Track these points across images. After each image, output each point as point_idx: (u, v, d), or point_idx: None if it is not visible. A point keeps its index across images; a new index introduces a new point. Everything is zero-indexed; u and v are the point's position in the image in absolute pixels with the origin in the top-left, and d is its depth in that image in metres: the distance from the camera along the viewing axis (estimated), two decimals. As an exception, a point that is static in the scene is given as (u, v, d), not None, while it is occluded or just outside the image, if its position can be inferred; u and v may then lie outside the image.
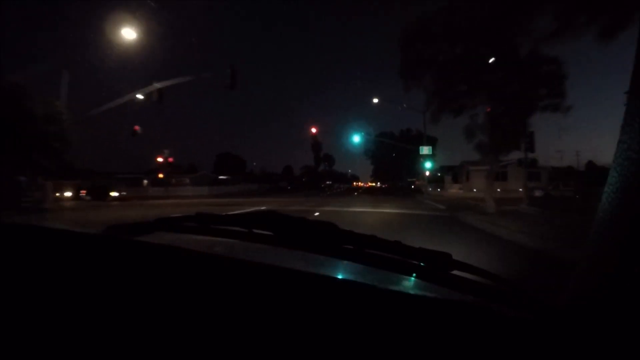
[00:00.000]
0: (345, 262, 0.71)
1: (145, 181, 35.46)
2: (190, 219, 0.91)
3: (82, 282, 0.55)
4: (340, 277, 0.67)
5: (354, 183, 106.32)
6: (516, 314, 0.53)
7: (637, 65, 0.38)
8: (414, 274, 0.64)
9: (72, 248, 0.70)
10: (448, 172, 43.00)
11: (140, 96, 12.95)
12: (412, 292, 0.60)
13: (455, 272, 0.62)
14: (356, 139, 26.01)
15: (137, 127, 14.29)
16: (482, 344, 0.43)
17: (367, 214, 11.51)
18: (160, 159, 27.86)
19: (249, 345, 0.42)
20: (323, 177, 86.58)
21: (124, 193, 23.48)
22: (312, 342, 0.42)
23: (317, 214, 11.17)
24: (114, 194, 21.88)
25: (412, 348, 0.42)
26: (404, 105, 22.69)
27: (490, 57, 10.45)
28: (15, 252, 0.66)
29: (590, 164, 44.41)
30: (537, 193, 21.71)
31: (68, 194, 20.41)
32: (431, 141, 28.60)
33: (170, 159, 27.92)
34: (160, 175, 29.36)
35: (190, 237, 0.87)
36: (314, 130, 23.33)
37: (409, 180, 52.57)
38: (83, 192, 20.66)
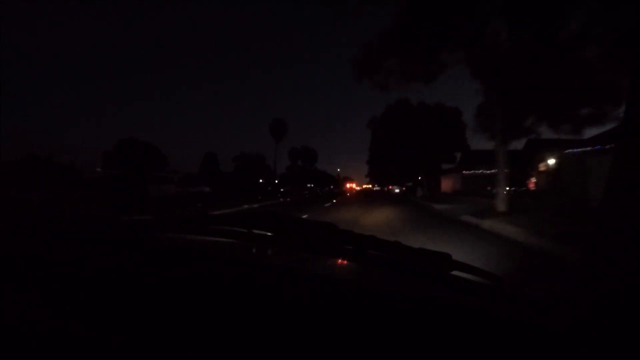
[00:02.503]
0: (345, 262, 0.71)
1: None
2: (190, 220, 0.92)
3: (81, 282, 0.55)
4: (340, 277, 0.67)
5: (348, 185, 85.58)
6: (516, 314, 0.53)
7: (636, 67, 0.41)
8: (414, 274, 0.64)
9: (71, 247, 0.71)
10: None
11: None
12: (412, 292, 0.59)
13: (455, 272, 0.62)
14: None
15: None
16: (481, 344, 0.43)
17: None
18: None
19: (249, 345, 0.42)
20: (298, 178, 60.60)
21: None
22: (312, 342, 0.42)
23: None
24: None
25: (412, 348, 0.42)
26: None
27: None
28: (16, 253, 0.67)
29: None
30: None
31: None
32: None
33: None
34: None
35: (191, 237, 0.87)
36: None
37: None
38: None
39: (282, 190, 40.42)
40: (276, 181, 53.24)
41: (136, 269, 0.61)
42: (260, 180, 48.58)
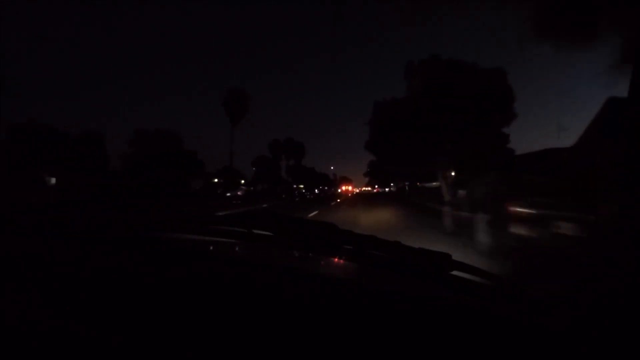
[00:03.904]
0: (345, 262, 0.71)
1: None
2: (191, 220, 0.92)
3: (81, 282, 0.55)
4: (340, 277, 0.67)
5: (344, 187, 72.72)
6: (516, 314, 0.53)
7: (636, 70, 0.41)
8: (414, 274, 0.63)
9: (71, 247, 0.71)
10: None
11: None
12: (412, 292, 0.59)
13: (455, 272, 0.62)
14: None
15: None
16: (481, 344, 0.43)
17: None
18: None
19: (249, 345, 0.42)
20: (275, 176, 47.05)
21: None
22: (312, 342, 0.42)
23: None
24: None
25: (412, 348, 0.42)
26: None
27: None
28: (16, 253, 0.67)
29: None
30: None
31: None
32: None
33: None
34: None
35: (191, 237, 0.87)
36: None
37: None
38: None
39: (228, 194, 23.59)
40: (242, 181, 37.69)
41: (136, 269, 0.61)
42: (215, 180, 31.40)
